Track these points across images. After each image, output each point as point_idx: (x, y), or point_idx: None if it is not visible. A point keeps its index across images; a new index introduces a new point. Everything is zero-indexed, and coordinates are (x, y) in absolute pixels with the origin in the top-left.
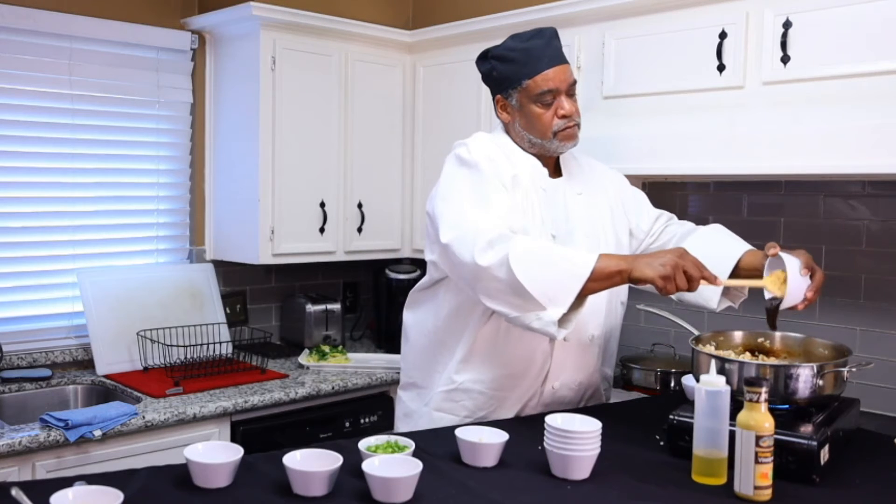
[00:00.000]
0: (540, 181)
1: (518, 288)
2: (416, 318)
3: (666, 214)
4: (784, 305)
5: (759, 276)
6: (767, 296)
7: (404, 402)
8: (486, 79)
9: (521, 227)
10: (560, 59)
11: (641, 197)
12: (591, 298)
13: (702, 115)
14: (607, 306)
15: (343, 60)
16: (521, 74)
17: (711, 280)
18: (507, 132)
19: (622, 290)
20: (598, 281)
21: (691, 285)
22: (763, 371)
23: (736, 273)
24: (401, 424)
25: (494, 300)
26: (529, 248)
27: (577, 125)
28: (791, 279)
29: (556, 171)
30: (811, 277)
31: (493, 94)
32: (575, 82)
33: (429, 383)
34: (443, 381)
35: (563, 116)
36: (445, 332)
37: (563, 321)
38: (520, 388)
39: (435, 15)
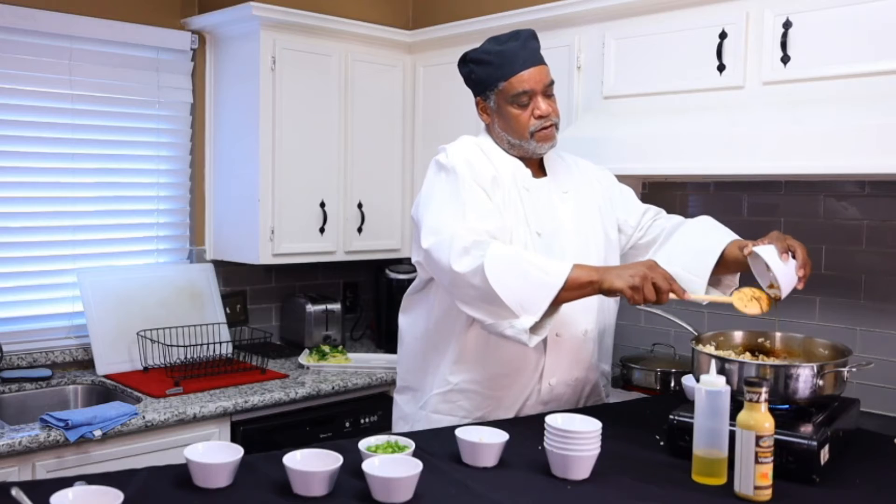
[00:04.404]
0: (523, 181)
1: (491, 296)
2: (408, 321)
3: (653, 209)
4: (784, 295)
5: (745, 266)
6: (765, 286)
7: (400, 405)
8: (466, 81)
9: (500, 229)
10: (536, 61)
11: (629, 192)
12: None
13: (702, 115)
14: (599, 301)
15: (343, 60)
16: (498, 76)
17: (679, 293)
18: (489, 133)
19: None
20: (570, 290)
21: (660, 297)
22: (763, 371)
23: (722, 263)
24: (398, 428)
25: (470, 306)
26: (504, 256)
27: (555, 125)
28: (775, 268)
29: (541, 171)
30: (794, 255)
31: (474, 96)
32: (552, 83)
33: (423, 386)
34: (437, 382)
35: (540, 117)
36: (437, 333)
37: (536, 328)
38: (516, 386)
39: (435, 15)
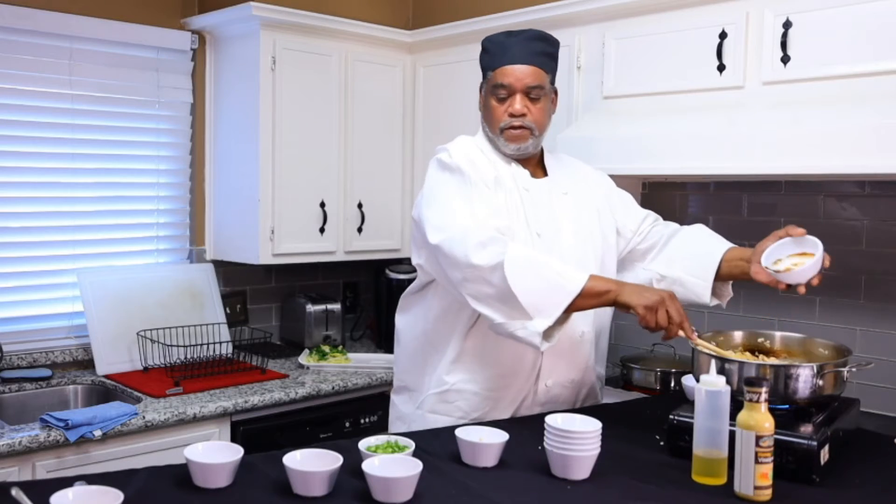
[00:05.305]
0: (522, 182)
1: (508, 295)
2: (406, 321)
3: (652, 215)
4: (808, 275)
5: (743, 266)
6: (781, 277)
7: (397, 406)
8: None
9: (506, 228)
10: (526, 59)
11: (628, 198)
12: None
13: (702, 115)
14: None
15: (343, 60)
16: (489, 66)
17: (688, 332)
18: (483, 131)
19: None
20: (586, 298)
21: (671, 327)
22: (763, 371)
23: (720, 269)
24: (394, 428)
25: (482, 303)
26: (524, 256)
27: (530, 130)
28: (817, 247)
29: (541, 171)
30: None
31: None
32: (538, 87)
33: (420, 386)
34: (434, 382)
35: (512, 115)
36: (434, 333)
37: (547, 333)
38: (513, 387)
39: (435, 15)
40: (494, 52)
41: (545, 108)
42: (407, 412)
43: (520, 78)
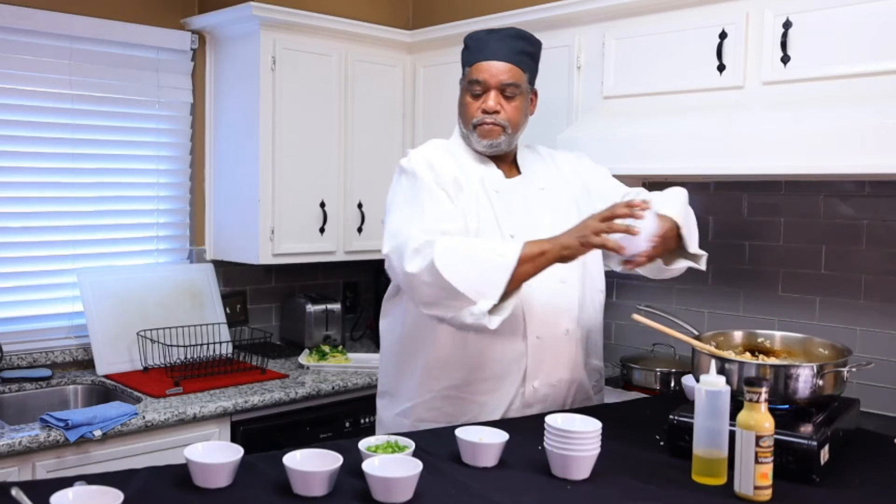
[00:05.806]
0: (492, 184)
1: (446, 287)
2: (386, 326)
3: (634, 191)
4: (630, 249)
5: None
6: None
7: (378, 409)
8: None
9: (461, 231)
10: (502, 56)
11: (607, 178)
12: (564, 292)
13: (702, 115)
14: (581, 299)
15: (343, 60)
16: (467, 61)
17: (621, 211)
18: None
19: (598, 279)
20: (525, 265)
21: (609, 224)
22: (763, 371)
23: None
24: (378, 433)
25: (428, 305)
26: (452, 246)
27: (503, 128)
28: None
29: (517, 170)
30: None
31: None
32: (513, 85)
33: (398, 391)
34: (420, 391)
35: (485, 112)
36: (410, 338)
37: (496, 309)
38: (499, 390)
39: (435, 15)
40: (473, 48)
41: (520, 106)
42: (385, 417)
43: (494, 74)
